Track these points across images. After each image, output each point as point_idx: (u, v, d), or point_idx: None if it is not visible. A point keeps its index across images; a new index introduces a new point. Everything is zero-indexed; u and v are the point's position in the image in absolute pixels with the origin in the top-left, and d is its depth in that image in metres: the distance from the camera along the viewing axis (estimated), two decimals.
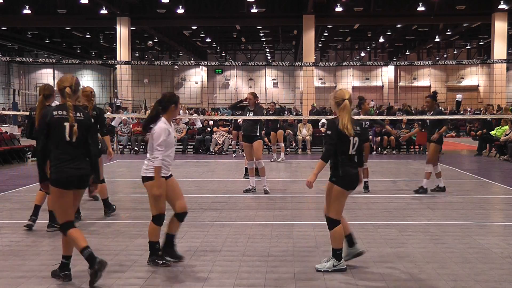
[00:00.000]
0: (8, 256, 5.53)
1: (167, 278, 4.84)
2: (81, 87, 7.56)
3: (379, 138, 17.92)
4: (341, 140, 4.93)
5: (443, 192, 9.49)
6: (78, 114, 4.66)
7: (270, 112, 15.44)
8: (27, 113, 7.17)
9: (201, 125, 18.59)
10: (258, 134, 9.56)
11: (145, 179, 5.08)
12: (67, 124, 4.58)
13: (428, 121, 9.75)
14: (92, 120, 7.13)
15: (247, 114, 9.71)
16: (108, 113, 22.31)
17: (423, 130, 10.77)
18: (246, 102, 9.78)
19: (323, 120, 19.92)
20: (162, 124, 5.03)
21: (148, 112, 20.53)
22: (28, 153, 15.34)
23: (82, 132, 4.63)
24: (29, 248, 5.83)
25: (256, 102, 9.76)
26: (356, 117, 9.75)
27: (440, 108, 11.80)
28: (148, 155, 5.12)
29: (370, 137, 17.22)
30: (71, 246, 4.72)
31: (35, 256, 5.49)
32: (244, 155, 10.10)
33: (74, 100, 4.74)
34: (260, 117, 9.70)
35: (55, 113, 4.63)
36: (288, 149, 17.21)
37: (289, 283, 4.70)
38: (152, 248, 5.17)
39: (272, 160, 15.05)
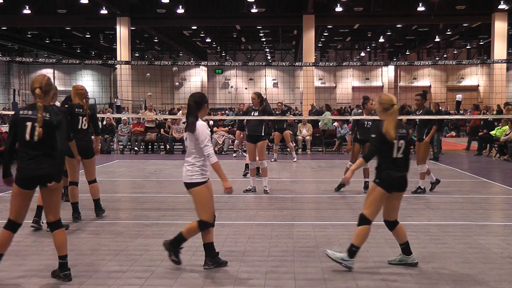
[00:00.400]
0: (8, 256, 5.51)
1: (167, 278, 4.83)
2: (77, 86, 7.60)
3: None
4: (384, 144, 4.95)
5: (437, 187, 9.54)
6: (44, 114, 4.63)
7: (277, 112, 15.54)
8: None
9: None
10: (263, 134, 9.60)
11: (191, 185, 4.96)
12: (29, 124, 4.59)
13: (417, 120, 9.74)
14: (85, 118, 7.17)
15: (252, 113, 9.75)
16: (108, 114, 22.31)
17: (412, 130, 10.75)
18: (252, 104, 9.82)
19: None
20: (202, 122, 5.01)
21: (146, 112, 20.34)
22: None
23: (46, 132, 4.59)
24: (29, 248, 5.83)
25: (264, 98, 9.84)
26: (357, 117, 9.81)
27: (440, 108, 11.72)
28: (189, 159, 4.97)
29: None
30: (63, 245, 4.73)
31: (35, 256, 5.49)
32: (245, 154, 10.11)
33: (46, 101, 4.73)
34: (264, 117, 9.73)
35: (21, 112, 4.68)
36: (288, 149, 17.21)
37: (289, 283, 4.70)
38: (178, 240, 5.05)
39: (272, 160, 15.06)
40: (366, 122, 9.49)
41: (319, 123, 19.13)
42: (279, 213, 7.78)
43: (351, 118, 18.54)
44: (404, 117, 17.61)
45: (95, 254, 5.58)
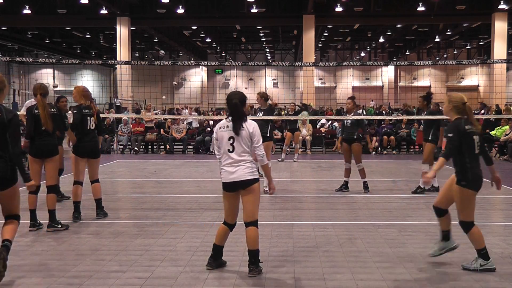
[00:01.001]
0: (8, 256, 5.52)
1: (167, 278, 4.83)
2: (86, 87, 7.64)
3: (377, 137, 17.90)
4: (465, 142, 4.97)
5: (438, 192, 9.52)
6: None
7: (290, 113, 15.57)
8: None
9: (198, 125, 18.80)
10: (268, 135, 9.63)
11: (254, 181, 4.90)
12: None
13: (422, 120, 9.79)
14: (92, 118, 7.21)
15: (257, 114, 9.77)
16: (111, 114, 22.29)
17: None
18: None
19: (323, 121, 19.90)
20: (253, 121, 4.99)
21: (144, 112, 20.22)
22: (26, 154, 15.35)
23: None
24: (29, 248, 5.82)
25: (271, 102, 9.90)
26: (347, 117, 9.83)
27: (440, 108, 11.63)
28: (245, 157, 4.89)
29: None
30: (12, 231, 4.78)
31: (35, 256, 5.48)
32: None
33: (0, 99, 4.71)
34: (273, 117, 9.79)
35: None
36: (288, 149, 17.22)
37: (289, 283, 4.69)
38: (255, 256, 4.93)
39: (280, 160, 15.12)
40: (345, 121, 9.63)
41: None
42: (279, 213, 7.78)
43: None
44: (404, 117, 17.67)
45: (95, 254, 5.58)
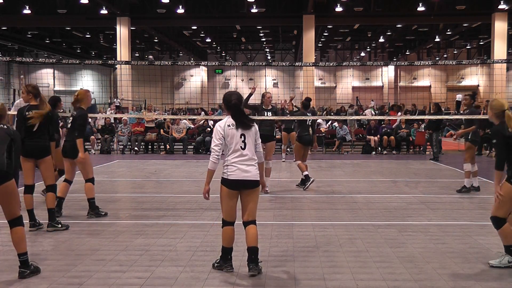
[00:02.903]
0: (8, 256, 5.53)
1: (167, 278, 4.83)
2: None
3: (377, 137, 17.90)
4: (510, 144, 4.98)
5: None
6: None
7: (287, 112, 15.58)
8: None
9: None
10: (273, 134, 9.77)
11: (259, 182, 4.97)
12: None
13: (464, 119, 9.87)
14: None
15: (265, 114, 9.81)
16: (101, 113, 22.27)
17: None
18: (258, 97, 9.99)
19: (319, 121, 19.89)
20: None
21: (145, 112, 20.24)
22: None
23: None
24: (29, 248, 5.78)
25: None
26: (278, 117, 9.85)
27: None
28: (254, 156, 4.94)
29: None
30: (22, 242, 4.91)
31: (35, 256, 5.48)
32: None
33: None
34: (275, 117, 9.87)
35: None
36: (288, 149, 17.23)
37: (289, 283, 4.70)
38: (255, 253, 4.91)
39: (283, 160, 15.15)
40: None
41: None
42: (279, 213, 7.78)
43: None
44: (404, 117, 17.66)
45: (95, 254, 5.58)
